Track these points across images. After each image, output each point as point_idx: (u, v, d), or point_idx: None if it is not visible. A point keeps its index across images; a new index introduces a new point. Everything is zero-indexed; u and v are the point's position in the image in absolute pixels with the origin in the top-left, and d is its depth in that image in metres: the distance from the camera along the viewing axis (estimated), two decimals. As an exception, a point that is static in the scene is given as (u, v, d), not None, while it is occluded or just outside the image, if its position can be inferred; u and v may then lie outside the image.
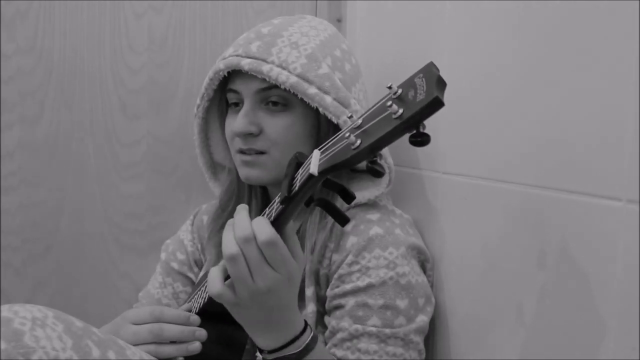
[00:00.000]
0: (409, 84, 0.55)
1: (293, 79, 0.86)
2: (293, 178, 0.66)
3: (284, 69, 0.87)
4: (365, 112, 0.59)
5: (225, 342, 0.88)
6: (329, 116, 0.87)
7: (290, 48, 0.89)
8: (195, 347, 0.81)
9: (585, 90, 0.63)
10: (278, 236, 0.66)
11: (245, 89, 0.90)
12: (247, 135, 0.89)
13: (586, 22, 0.63)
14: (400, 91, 0.56)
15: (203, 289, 0.88)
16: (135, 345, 0.80)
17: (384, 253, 0.85)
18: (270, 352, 0.72)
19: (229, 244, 0.67)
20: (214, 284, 0.69)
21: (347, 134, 0.59)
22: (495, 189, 0.79)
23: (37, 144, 1.31)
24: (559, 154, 0.67)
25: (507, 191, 0.76)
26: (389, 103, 0.55)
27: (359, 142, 0.57)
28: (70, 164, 1.33)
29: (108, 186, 1.33)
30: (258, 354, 0.74)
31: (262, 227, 0.66)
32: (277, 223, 0.68)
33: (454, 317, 0.89)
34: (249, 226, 0.67)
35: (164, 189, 1.34)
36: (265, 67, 0.87)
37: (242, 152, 0.91)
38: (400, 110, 0.54)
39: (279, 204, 0.67)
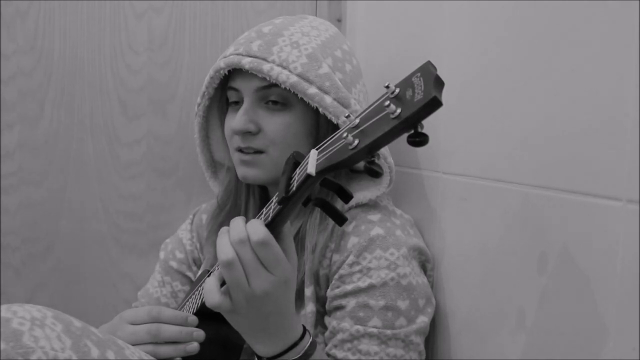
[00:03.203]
0: (407, 83, 0.55)
1: (293, 79, 0.86)
2: (290, 178, 0.66)
3: (284, 68, 0.87)
4: (363, 112, 0.59)
5: (222, 342, 0.88)
6: (329, 116, 0.87)
7: (291, 47, 0.88)
8: (193, 347, 0.81)
9: (585, 90, 0.63)
10: (271, 236, 0.66)
11: (245, 87, 0.90)
12: (245, 134, 0.89)
13: (586, 22, 0.63)
14: (397, 90, 0.55)
15: (200, 289, 0.88)
16: (132, 345, 0.80)
17: (385, 254, 0.85)
18: (269, 358, 0.72)
19: (224, 249, 0.67)
20: (212, 295, 0.69)
21: (345, 134, 0.58)
22: (495, 189, 0.79)
23: (37, 144, 1.31)
24: (559, 153, 0.67)
25: (507, 191, 0.76)
26: (387, 102, 0.55)
27: (356, 142, 0.57)
28: (70, 164, 1.33)
29: (108, 186, 1.33)
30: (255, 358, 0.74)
31: (256, 228, 0.66)
32: (274, 223, 0.68)
33: (454, 318, 0.89)
34: (243, 229, 0.67)
35: (164, 189, 1.34)
36: (265, 66, 0.87)
37: (240, 150, 0.91)
38: (398, 110, 0.54)
39: (276, 204, 0.67)
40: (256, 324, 0.70)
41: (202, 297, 0.85)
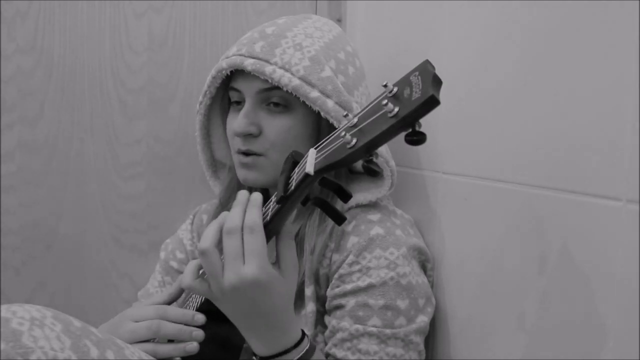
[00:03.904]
0: (405, 82, 0.55)
1: (295, 82, 0.86)
2: (289, 177, 0.66)
3: (286, 70, 0.86)
4: (361, 111, 0.59)
5: (222, 342, 0.88)
6: (331, 120, 0.86)
7: (293, 49, 0.88)
8: (193, 347, 0.81)
9: (585, 90, 0.63)
10: (262, 228, 0.68)
11: (247, 89, 0.90)
12: (246, 136, 0.89)
13: (586, 22, 0.63)
14: (395, 89, 0.55)
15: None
16: (133, 342, 0.80)
17: (385, 253, 0.85)
18: (263, 358, 0.73)
19: (205, 238, 0.69)
20: (186, 276, 0.72)
21: (343, 133, 0.59)
22: (495, 189, 0.79)
23: (37, 144, 1.31)
24: (559, 153, 0.67)
25: (507, 191, 0.76)
26: (385, 101, 0.55)
27: (354, 141, 0.57)
28: (70, 164, 1.33)
29: (108, 186, 1.33)
30: (254, 357, 0.74)
31: (253, 215, 0.68)
32: (273, 223, 0.68)
33: (454, 317, 0.89)
34: (239, 219, 0.68)
35: (164, 189, 1.34)
36: (268, 69, 0.86)
37: (240, 152, 0.91)
38: (396, 109, 0.54)
39: (275, 203, 0.67)
40: (242, 319, 0.72)
41: (201, 298, 0.85)
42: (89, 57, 1.31)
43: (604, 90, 0.60)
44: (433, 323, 0.91)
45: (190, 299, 0.91)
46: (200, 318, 0.82)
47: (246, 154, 0.90)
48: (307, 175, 0.62)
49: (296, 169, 0.66)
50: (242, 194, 0.72)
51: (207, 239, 0.69)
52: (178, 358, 0.82)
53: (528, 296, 0.71)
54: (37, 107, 1.30)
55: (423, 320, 0.86)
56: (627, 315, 0.57)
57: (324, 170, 0.61)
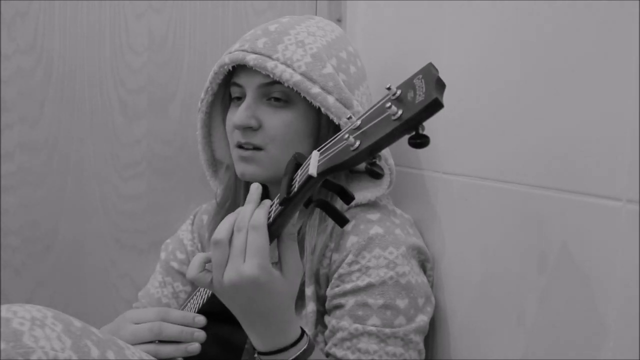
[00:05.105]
0: (408, 84, 0.55)
1: (297, 77, 0.86)
2: (292, 179, 0.67)
3: (288, 66, 0.87)
4: (365, 113, 0.59)
5: (223, 342, 0.88)
6: (331, 117, 0.87)
7: (296, 46, 0.89)
8: (195, 347, 0.82)
9: (585, 89, 0.63)
10: (265, 228, 0.68)
11: (249, 83, 0.90)
12: (246, 129, 0.89)
13: (586, 22, 0.63)
14: (399, 92, 0.56)
15: (202, 289, 0.88)
16: (134, 344, 0.80)
17: (384, 253, 0.85)
18: (261, 353, 0.73)
19: (220, 229, 0.70)
20: (191, 269, 0.72)
21: (346, 135, 0.59)
22: (495, 189, 0.79)
23: (37, 144, 1.31)
24: (559, 154, 0.67)
25: (507, 191, 0.76)
26: (388, 104, 0.55)
27: (358, 143, 0.57)
28: (70, 164, 1.33)
29: (108, 186, 1.33)
30: (256, 355, 0.75)
31: (258, 215, 0.69)
32: (276, 224, 0.68)
33: (454, 317, 0.89)
34: (248, 217, 0.69)
35: (164, 189, 1.34)
36: (270, 64, 0.87)
37: (240, 146, 0.91)
38: (400, 112, 0.54)
39: (278, 204, 0.67)
40: (241, 315, 0.72)
41: (203, 298, 0.86)
42: (89, 57, 1.31)
43: (604, 90, 0.60)
44: (433, 323, 0.91)
45: (191, 301, 0.92)
46: (201, 320, 0.83)
47: (245, 148, 0.90)
48: (310, 177, 0.62)
49: (299, 171, 0.67)
50: (254, 187, 0.73)
51: (222, 231, 0.70)
52: (180, 358, 0.82)
53: (528, 296, 0.71)
54: (37, 107, 1.31)
55: (423, 319, 0.86)
56: (627, 315, 0.57)
57: (327, 172, 0.61)
